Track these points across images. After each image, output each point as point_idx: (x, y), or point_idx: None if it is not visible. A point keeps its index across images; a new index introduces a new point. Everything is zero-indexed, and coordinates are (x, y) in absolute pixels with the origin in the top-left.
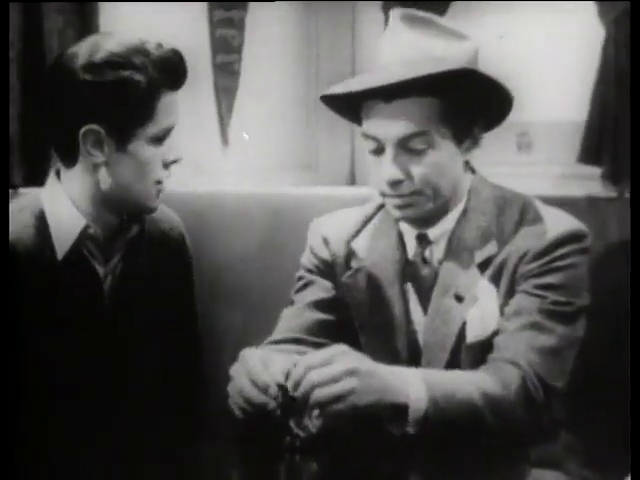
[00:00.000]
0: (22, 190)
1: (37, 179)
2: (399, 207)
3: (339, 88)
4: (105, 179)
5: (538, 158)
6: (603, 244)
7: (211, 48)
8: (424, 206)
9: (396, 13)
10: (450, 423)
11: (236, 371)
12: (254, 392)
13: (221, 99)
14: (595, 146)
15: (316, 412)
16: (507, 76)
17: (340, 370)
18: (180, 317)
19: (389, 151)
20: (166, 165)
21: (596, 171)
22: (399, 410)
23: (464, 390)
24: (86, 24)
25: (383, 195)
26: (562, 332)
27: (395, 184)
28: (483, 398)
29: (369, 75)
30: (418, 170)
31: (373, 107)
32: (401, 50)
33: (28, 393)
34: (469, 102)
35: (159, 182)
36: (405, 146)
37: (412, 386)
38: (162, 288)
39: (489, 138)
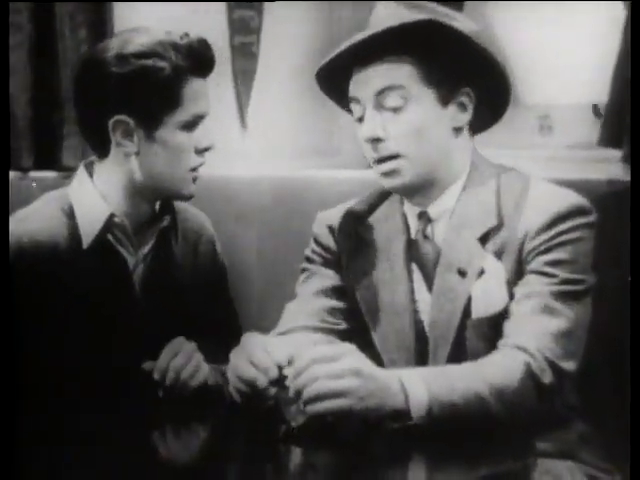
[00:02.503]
0: (32, 174)
1: (48, 163)
2: (385, 174)
3: (323, 62)
4: (137, 168)
5: (559, 141)
6: (624, 227)
7: (229, 29)
8: (409, 172)
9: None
10: (456, 417)
11: (235, 353)
12: (251, 371)
13: (239, 81)
14: (616, 129)
15: (307, 408)
16: (528, 59)
17: (344, 368)
18: (213, 308)
19: (368, 109)
20: (199, 152)
21: (617, 154)
22: (400, 413)
23: (467, 382)
24: (98, 7)
25: (370, 162)
26: (573, 313)
27: (374, 142)
28: (487, 387)
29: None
30: (397, 128)
31: (354, 73)
32: (384, 18)
33: (53, 382)
34: (451, 64)
35: (193, 169)
36: (383, 104)
37: (411, 389)
38: (195, 280)
39: (510, 120)
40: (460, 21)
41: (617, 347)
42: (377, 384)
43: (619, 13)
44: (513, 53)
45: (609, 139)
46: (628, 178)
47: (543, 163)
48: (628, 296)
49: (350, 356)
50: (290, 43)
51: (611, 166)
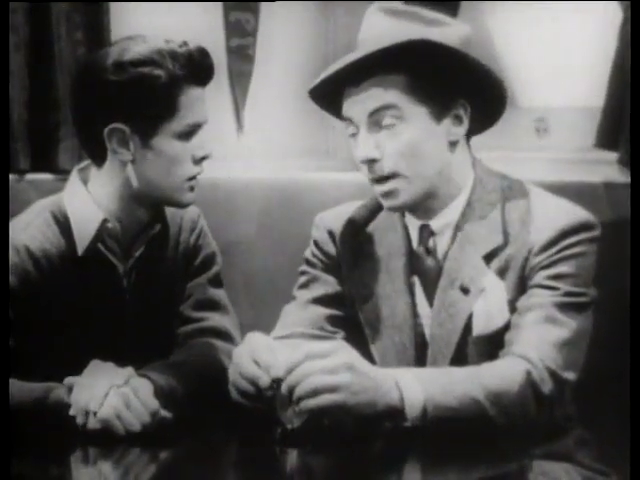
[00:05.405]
0: (29, 176)
1: (45, 165)
2: (384, 195)
3: (315, 82)
4: (133, 176)
5: (555, 143)
6: (619, 229)
7: (225, 32)
8: (408, 192)
9: (375, 6)
10: (451, 418)
11: (238, 351)
12: (255, 370)
13: (235, 84)
14: (612, 131)
15: (301, 404)
16: (524, 62)
17: (337, 363)
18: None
19: (362, 130)
20: (196, 161)
21: (613, 156)
22: (394, 411)
23: (463, 385)
24: (95, 8)
25: (369, 182)
26: (575, 324)
27: (370, 163)
28: (484, 392)
29: (337, 61)
30: (391, 147)
31: (347, 93)
32: (375, 34)
33: None
34: (444, 79)
35: (191, 178)
36: (377, 124)
37: (405, 388)
38: (183, 286)
39: (507, 123)
40: (451, 25)
41: (614, 355)
42: (371, 380)
43: (616, 15)
44: (509, 55)
45: (605, 141)
46: (624, 180)
47: (539, 165)
48: (626, 297)
49: (343, 352)
50: (286, 45)
51: (607, 168)
